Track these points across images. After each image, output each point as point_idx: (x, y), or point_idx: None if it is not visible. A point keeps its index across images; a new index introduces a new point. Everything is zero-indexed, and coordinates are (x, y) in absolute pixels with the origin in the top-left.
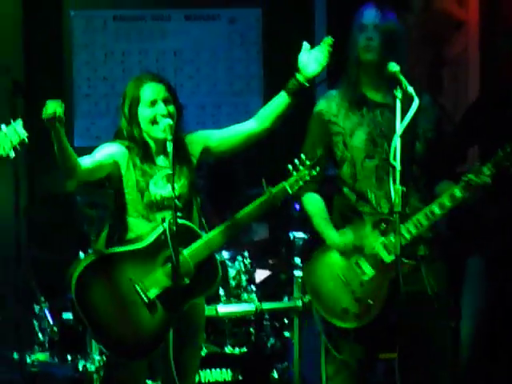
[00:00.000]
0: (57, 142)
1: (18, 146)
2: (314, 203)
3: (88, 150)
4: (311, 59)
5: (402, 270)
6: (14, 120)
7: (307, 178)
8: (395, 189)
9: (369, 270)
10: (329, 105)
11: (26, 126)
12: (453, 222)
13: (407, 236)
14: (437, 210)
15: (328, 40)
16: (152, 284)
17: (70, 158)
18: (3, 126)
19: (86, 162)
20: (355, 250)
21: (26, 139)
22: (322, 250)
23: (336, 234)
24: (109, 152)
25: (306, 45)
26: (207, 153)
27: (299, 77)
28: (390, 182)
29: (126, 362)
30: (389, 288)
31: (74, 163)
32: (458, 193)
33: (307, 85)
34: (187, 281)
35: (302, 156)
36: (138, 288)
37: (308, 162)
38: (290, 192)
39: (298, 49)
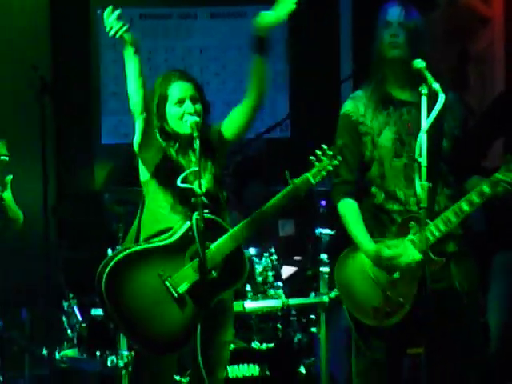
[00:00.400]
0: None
1: None
2: (349, 209)
3: (116, 148)
4: (271, 14)
5: (431, 267)
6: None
7: (329, 167)
8: (421, 185)
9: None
10: (356, 105)
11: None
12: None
13: (436, 233)
14: (465, 207)
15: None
16: (181, 279)
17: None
18: None
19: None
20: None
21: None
22: (353, 249)
23: (371, 243)
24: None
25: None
26: (221, 140)
27: (257, 29)
28: (416, 178)
29: (155, 357)
30: (418, 286)
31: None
32: (486, 189)
33: (265, 35)
34: (215, 274)
35: (324, 146)
36: (168, 283)
37: (329, 152)
38: (313, 182)
39: (323, 46)
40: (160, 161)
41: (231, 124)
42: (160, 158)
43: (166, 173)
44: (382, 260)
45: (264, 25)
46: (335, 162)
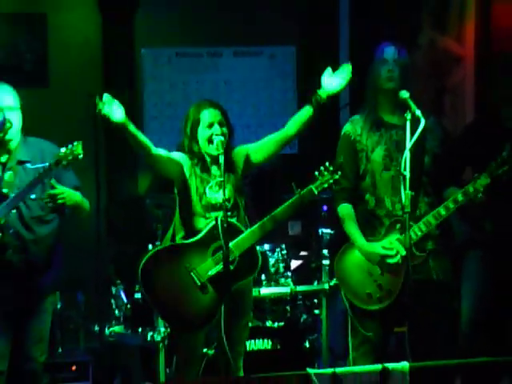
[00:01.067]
0: (128, 135)
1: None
2: (347, 212)
3: None
4: (332, 80)
5: (414, 261)
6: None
7: (330, 181)
8: (405, 193)
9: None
10: (354, 127)
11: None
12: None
13: (419, 233)
14: (443, 212)
15: (347, 66)
16: (204, 270)
17: (142, 144)
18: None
19: (160, 150)
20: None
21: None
22: (350, 245)
23: (364, 241)
24: (177, 155)
25: (329, 69)
26: (248, 161)
27: (321, 93)
28: (401, 188)
29: (184, 334)
30: (404, 276)
31: (147, 148)
32: (460, 197)
33: (326, 101)
34: (232, 267)
35: (326, 163)
36: (193, 274)
37: (331, 168)
38: (316, 193)
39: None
40: (188, 178)
41: (262, 149)
42: (188, 176)
43: (195, 186)
44: (375, 255)
45: (329, 92)
46: (335, 177)
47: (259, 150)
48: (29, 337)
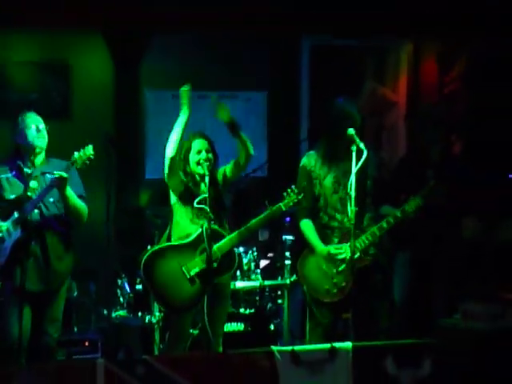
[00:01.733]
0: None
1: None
2: (307, 225)
3: (154, 181)
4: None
5: (363, 263)
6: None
7: (295, 200)
8: (351, 209)
9: (343, 265)
10: (309, 160)
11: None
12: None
13: (366, 242)
14: (384, 225)
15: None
16: (192, 266)
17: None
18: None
19: None
20: (333, 258)
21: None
22: (309, 251)
23: (322, 244)
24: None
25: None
26: (225, 177)
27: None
28: (348, 205)
29: (175, 315)
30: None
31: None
32: (398, 214)
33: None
34: (215, 265)
35: (292, 186)
36: (183, 269)
37: (296, 190)
38: (284, 209)
39: (289, 118)
40: (182, 190)
41: (231, 169)
42: (182, 188)
43: (187, 198)
44: (332, 257)
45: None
46: (299, 197)
47: (229, 169)
48: (47, 317)
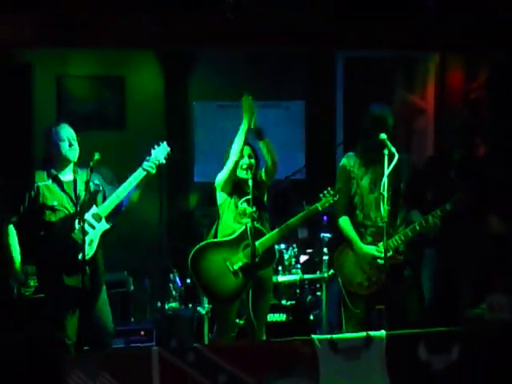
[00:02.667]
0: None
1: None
2: (345, 222)
3: (201, 184)
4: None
5: (396, 260)
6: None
7: (331, 201)
8: (384, 208)
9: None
10: (349, 160)
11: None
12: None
13: (399, 241)
14: (417, 227)
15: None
16: (236, 260)
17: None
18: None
19: None
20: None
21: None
22: (345, 247)
23: (362, 244)
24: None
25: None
26: (262, 181)
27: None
28: (381, 204)
29: (221, 306)
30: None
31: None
32: (430, 219)
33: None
34: (257, 260)
35: (329, 188)
36: (228, 263)
37: (332, 192)
38: (320, 209)
39: (325, 124)
40: (229, 192)
41: (265, 173)
42: (229, 190)
43: (232, 199)
44: (369, 256)
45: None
46: (335, 199)
47: (264, 172)
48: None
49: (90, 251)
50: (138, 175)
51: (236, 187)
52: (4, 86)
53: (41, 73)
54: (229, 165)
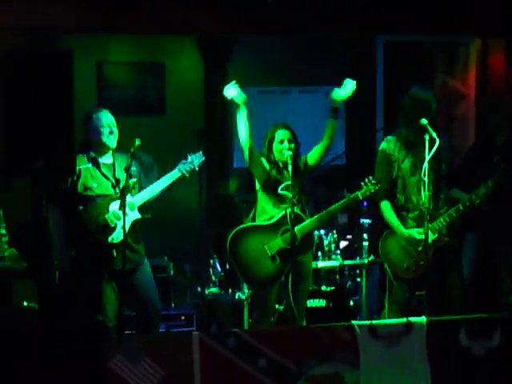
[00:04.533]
0: (239, 119)
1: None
2: (387, 206)
3: (241, 169)
4: (341, 92)
5: (441, 243)
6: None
7: (372, 190)
8: (424, 193)
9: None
10: (389, 145)
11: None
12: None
13: (444, 223)
14: (461, 207)
15: (350, 81)
16: (274, 245)
17: (244, 131)
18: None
19: (255, 148)
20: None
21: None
22: (390, 232)
23: (404, 228)
24: (263, 160)
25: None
26: (306, 166)
27: (333, 102)
28: (422, 189)
29: (257, 289)
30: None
31: (246, 137)
32: (473, 197)
33: (339, 106)
34: (296, 245)
35: (370, 177)
36: (266, 247)
37: (373, 181)
38: (361, 198)
39: (365, 110)
40: (267, 177)
41: (313, 156)
42: (266, 176)
43: (271, 185)
44: (414, 239)
45: (338, 99)
46: (376, 188)
47: (311, 156)
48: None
49: (119, 236)
50: (173, 175)
51: (275, 172)
52: (45, 72)
53: (81, 59)
54: (246, 153)
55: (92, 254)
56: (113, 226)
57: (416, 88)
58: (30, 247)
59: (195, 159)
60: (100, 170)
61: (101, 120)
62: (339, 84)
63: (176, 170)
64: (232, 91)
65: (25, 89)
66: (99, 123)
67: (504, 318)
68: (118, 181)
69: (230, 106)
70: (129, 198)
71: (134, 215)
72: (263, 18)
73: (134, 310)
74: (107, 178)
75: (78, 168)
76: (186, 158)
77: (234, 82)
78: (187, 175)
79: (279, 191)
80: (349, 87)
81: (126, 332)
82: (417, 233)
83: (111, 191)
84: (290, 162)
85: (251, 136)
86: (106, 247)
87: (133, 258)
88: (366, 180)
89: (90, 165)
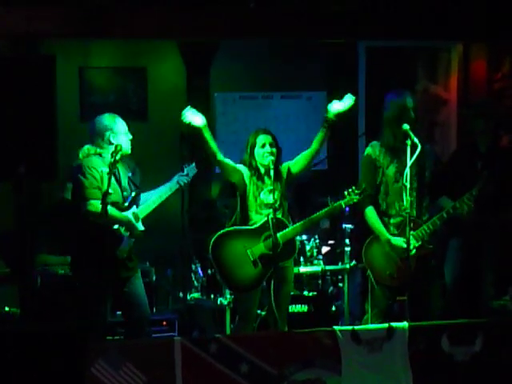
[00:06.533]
0: (203, 140)
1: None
2: (372, 212)
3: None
4: (338, 105)
5: (426, 250)
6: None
7: (355, 200)
8: (406, 199)
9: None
10: (374, 149)
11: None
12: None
13: (428, 231)
14: (445, 215)
15: (350, 96)
16: (256, 250)
17: (212, 150)
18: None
19: (226, 159)
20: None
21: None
22: (374, 238)
23: (389, 235)
24: (240, 167)
25: (335, 100)
26: (289, 173)
27: (329, 115)
28: (404, 195)
29: (239, 294)
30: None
31: (215, 154)
32: (457, 205)
33: (334, 119)
34: (278, 251)
35: (353, 187)
36: (248, 252)
37: (356, 191)
38: (344, 207)
39: (347, 115)
40: (248, 183)
41: (298, 163)
42: (245, 182)
43: (252, 190)
44: (399, 248)
45: (332, 111)
46: (359, 198)
47: (296, 164)
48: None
49: (126, 246)
50: (172, 187)
51: (257, 177)
52: (28, 77)
53: (63, 64)
54: (220, 168)
55: (99, 262)
56: (126, 235)
57: (393, 93)
58: (13, 252)
59: (190, 172)
60: (116, 177)
61: (117, 125)
62: (321, 89)
63: (175, 183)
64: (191, 116)
65: (6, 93)
66: (116, 129)
67: (486, 324)
68: (123, 190)
69: (212, 112)
70: (134, 208)
71: (138, 226)
72: (245, 23)
73: (126, 316)
74: (120, 186)
75: (100, 169)
76: (182, 170)
77: (189, 106)
78: (185, 188)
79: (261, 197)
80: (347, 102)
81: (110, 338)
82: (403, 242)
83: (120, 199)
84: (271, 167)
85: (219, 150)
86: (113, 255)
87: (131, 266)
88: (350, 190)
89: (106, 169)
